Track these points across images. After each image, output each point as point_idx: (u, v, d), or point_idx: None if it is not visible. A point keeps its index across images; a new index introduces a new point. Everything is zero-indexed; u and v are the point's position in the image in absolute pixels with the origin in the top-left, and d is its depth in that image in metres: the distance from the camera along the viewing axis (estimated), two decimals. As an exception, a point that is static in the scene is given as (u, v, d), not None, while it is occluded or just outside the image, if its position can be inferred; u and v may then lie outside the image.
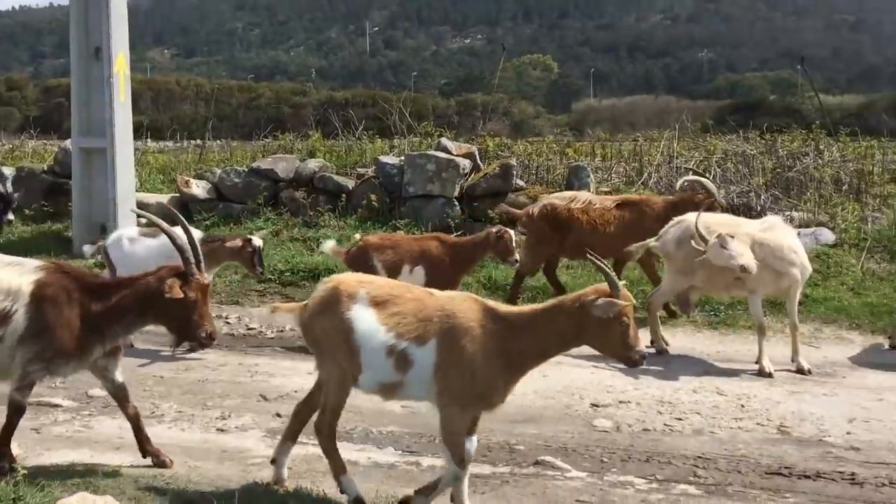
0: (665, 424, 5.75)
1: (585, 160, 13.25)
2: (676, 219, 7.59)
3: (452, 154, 11.25)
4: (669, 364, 7.16)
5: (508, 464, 5.04)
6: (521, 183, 11.21)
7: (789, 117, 27.27)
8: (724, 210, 9.02)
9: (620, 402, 6.21)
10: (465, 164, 11.18)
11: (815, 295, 8.71)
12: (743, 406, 6.12)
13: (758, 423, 5.78)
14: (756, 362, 7.01)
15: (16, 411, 4.53)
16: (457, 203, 11.00)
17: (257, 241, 7.57)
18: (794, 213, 10.71)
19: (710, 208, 8.48)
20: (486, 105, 45.86)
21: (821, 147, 12.88)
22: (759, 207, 10.82)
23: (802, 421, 5.81)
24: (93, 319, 4.47)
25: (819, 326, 8.20)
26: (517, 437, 5.46)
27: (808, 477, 4.90)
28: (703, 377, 6.81)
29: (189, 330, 4.54)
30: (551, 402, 6.21)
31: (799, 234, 8.45)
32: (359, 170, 11.99)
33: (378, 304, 4.06)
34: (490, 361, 3.89)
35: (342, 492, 4.20)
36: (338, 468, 4.21)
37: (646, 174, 11.76)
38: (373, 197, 11.07)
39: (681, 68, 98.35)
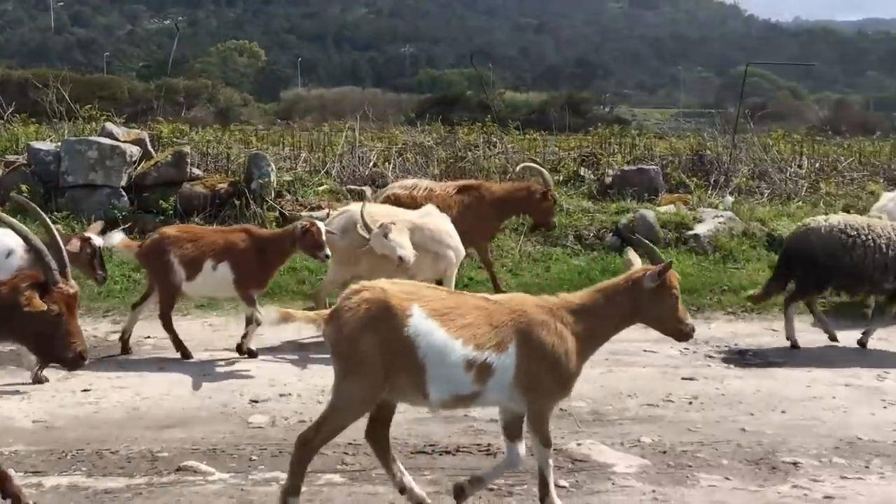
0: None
1: (273, 149, 13.02)
2: (342, 208, 7.65)
3: (119, 140, 10.41)
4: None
5: (147, 474, 4.69)
6: (197, 172, 10.69)
7: (483, 112, 29.12)
8: (556, 200, 9.33)
9: (281, 395, 6.09)
10: (134, 151, 10.41)
11: (478, 277, 9.30)
12: (400, 389, 6.30)
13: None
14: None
15: None
16: (125, 193, 10.20)
17: (97, 239, 6.50)
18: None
19: (545, 197, 8.82)
20: (189, 90, 43.50)
21: (493, 140, 13.83)
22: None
23: (453, 398, 6.11)
24: None
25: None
26: (162, 444, 5.12)
27: (448, 452, 5.13)
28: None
29: (53, 349, 3.87)
30: (208, 401, 5.93)
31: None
32: (7, 157, 10.67)
33: (439, 316, 3.82)
34: (568, 351, 3.94)
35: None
36: (295, 487, 3.91)
37: (328, 164, 11.79)
38: (24, 187, 9.89)
39: (385, 61, 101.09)
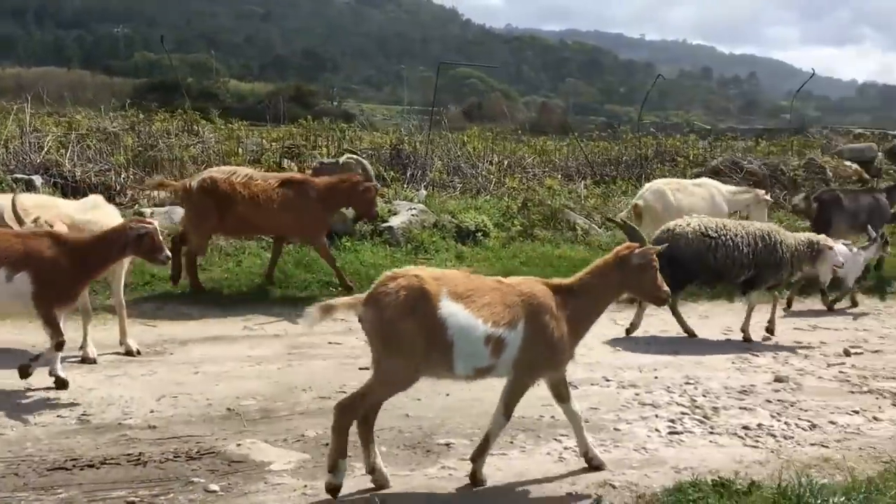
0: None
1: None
2: None
3: None
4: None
5: None
6: None
7: (207, 100, 27.80)
8: (377, 191, 9.21)
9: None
10: None
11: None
12: (49, 399, 5.71)
13: (58, 416, 5.42)
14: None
15: None
16: None
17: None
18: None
19: (367, 190, 8.72)
20: None
21: (195, 128, 13.17)
22: (118, 186, 10.52)
23: (109, 406, 5.64)
24: None
25: (161, 305, 8.27)
26: None
27: (92, 466, 4.70)
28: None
29: None
30: None
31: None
32: None
33: (462, 298, 4.22)
34: (563, 330, 4.42)
35: (329, 470, 4.25)
36: (340, 451, 4.24)
37: (-8, 148, 10.48)
38: None
39: (96, 41, 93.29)
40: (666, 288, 4.87)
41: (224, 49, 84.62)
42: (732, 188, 10.98)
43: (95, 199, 7.13)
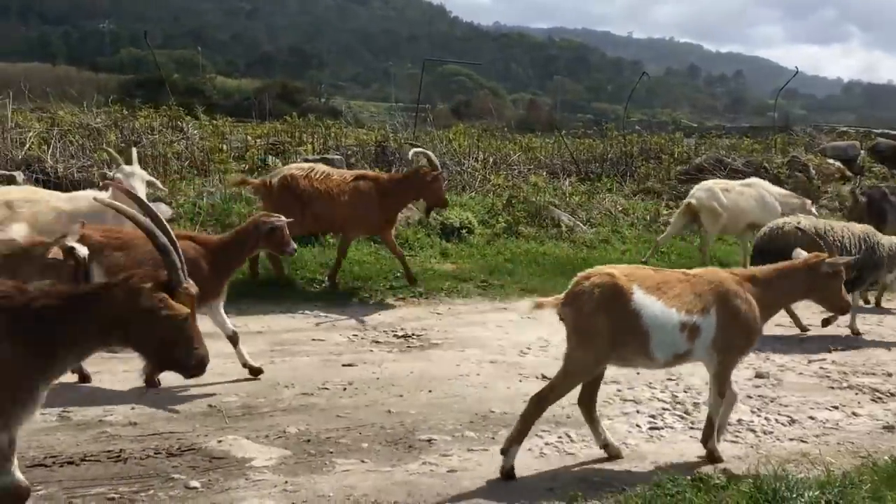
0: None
1: None
2: None
3: None
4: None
5: None
6: None
7: (193, 97, 27.73)
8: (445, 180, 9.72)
9: None
10: None
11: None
12: (30, 396, 5.68)
13: (41, 413, 5.38)
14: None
15: None
16: None
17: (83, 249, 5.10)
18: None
19: (435, 179, 8.80)
20: None
21: (179, 124, 13.11)
22: (101, 182, 10.45)
23: (91, 403, 5.62)
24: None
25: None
26: None
27: (71, 463, 4.68)
28: None
29: (177, 356, 3.54)
30: None
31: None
32: None
33: (655, 291, 4.56)
34: (755, 314, 4.75)
35: (502, 453, 4.61)
36: (520, 436, 4.60)
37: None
38: None
39: (81, 37, 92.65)
40: (848, 298, 5.30)
41: (211, 45, 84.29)
42: (782, 191, 11.21)
43: (88, 193, 7.13)
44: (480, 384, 6.45)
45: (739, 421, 5.71)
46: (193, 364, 3.62)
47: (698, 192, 10.66)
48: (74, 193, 7.30)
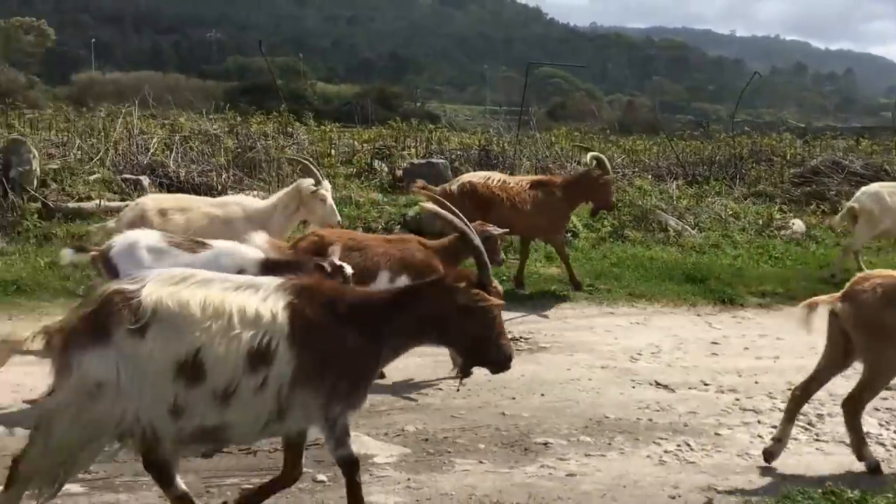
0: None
1: (43, 134, 12.01)
2: (133, 202, 7.26)
3: None
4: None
5: None
6: (-54, 158, 9.62)
7: (295, 102, 28.63)
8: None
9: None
10: None
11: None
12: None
13: (172, 405, 5.69)
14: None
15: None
16: None
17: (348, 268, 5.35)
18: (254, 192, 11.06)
19: (606, 183, 9.03)
20: (-39, 71, 39.29)
21: (289, 130, 13.55)
22: (220, 186, 10.93)
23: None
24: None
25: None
26: None
27: (205, 454, 4.93)
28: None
29: (488, 351, 3.69)
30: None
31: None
32: None
33: None
34: None
35: (859, 459, 4.82)
36: (860, 441, 4.84)
37: (102, 150, 11.02)
38: None
39: (190, 46, 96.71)
40: None
41: (311, 52, 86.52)
42: None
43: (237, 197, 7.49)
44: (592, 389, 6.42)
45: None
46: (503, 359, 3.78)
47: (862, 195, 10.42)
48: (224, 199, 7.61)
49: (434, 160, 12.50)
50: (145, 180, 10.19)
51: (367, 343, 3.58)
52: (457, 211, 3.92)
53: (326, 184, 7.49)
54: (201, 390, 3.33)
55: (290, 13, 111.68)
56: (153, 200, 7.19)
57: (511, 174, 12.90)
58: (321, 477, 4.59)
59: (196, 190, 10.48)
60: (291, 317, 3.44)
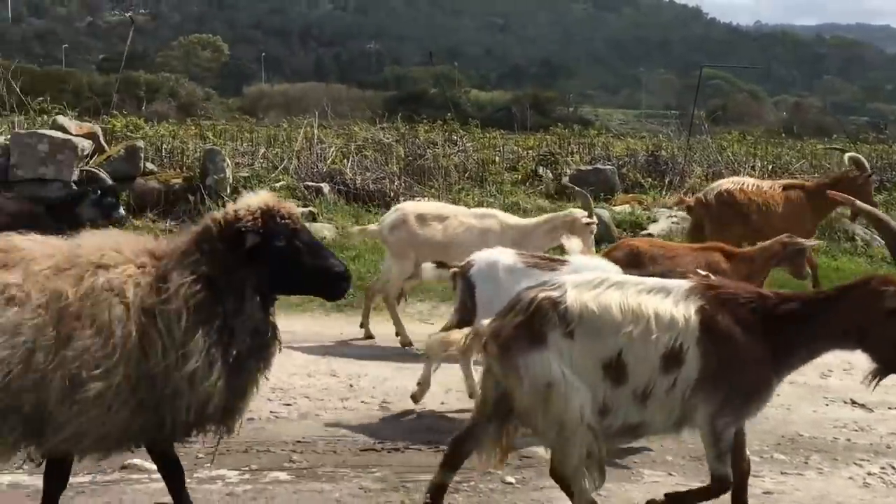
0: (271, 412, 5.70)
1: (231, 144, 12.91)
2: (395, 206, 7.71)
3: (71, 134, 10.24)
4: (289, 350, 7.13)
5: (91, 472, 4.62)
6: (151, 166, 10.56)
7: (449, 110, 29.24)
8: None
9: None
10: (86, 144, 10.24)
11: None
12: (352, 386, 6.30)
13: (362, 402, 5.97)
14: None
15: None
16: (76, 188, 10.02)
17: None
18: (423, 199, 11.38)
19: (865, 184, 8.74)
20: (150, 84, 42.72)
21: (454, 138, 13.86)
22: (392, 193, 11.32)
23: (405, 396, 6.11)
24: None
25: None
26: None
27: (397, 450, 5.13)
28: (321, 359, 6.90)
29: None
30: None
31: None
32: (-46, 152, 10.44)
33: None
34: None
35: None
36: None
37: (286, 160, 11.71)
38: (-29, 182, 9.71)
39: (350, 58, 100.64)
40: None
41: (465, 60, 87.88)
42: None
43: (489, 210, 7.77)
44: (781, 405, 6.14)
45: None
46: None
47: None
48: (481, 210, 7.76)
49: (601, 166, 12.40)
50: (325, 187, 10.71)
51: (770, 356, 3.58)
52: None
53: (595, 217, 7.50)
54: (624, 390, 3.51)
55: (446, 23, 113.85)
56: (413, 206, 7.54)
57: (681, 181, 12.66)
58: (509, 479, 4.67)
59: (371, 197, 10.88)
60: (702, 321, 3.52)
